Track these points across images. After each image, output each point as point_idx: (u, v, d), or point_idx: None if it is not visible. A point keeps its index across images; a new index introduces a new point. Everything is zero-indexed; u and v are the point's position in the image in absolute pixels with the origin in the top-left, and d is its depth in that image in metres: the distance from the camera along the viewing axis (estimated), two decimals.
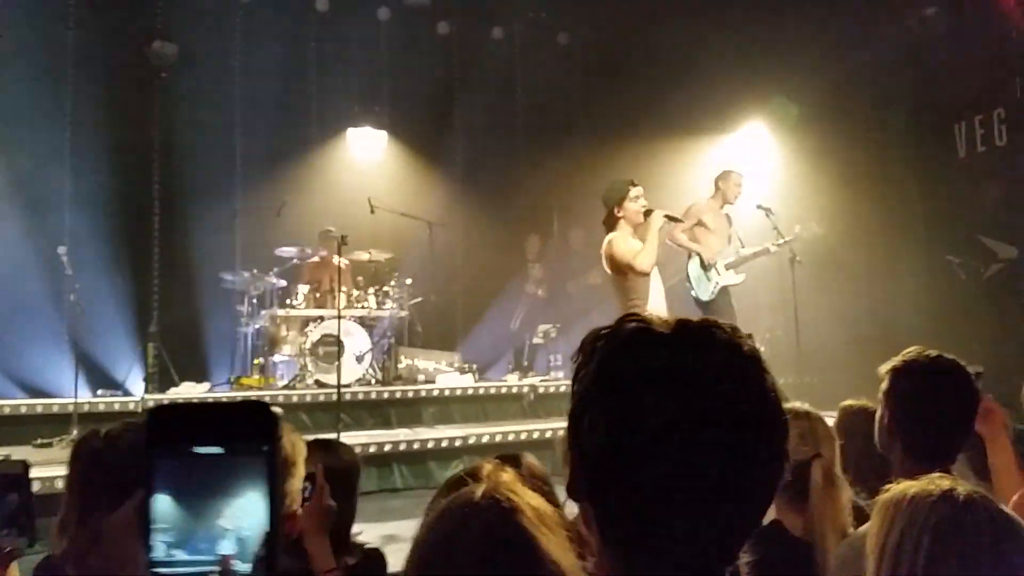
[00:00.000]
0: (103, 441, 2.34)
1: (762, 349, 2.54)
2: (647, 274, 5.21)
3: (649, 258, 5.20)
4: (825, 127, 8.36)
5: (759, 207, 6.80)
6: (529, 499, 1.26)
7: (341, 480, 2.37)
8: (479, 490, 1.26)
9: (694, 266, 6.78)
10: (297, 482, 1.71)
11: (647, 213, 5.23)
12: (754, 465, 0.86)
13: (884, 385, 2.19)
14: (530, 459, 2.93)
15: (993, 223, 7.46)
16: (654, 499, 0.85)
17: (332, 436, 3.19)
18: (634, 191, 5.35)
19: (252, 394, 6.91)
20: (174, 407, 0.74)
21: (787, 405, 2.62)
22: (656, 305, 5.26)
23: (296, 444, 1.72)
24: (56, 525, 2.17)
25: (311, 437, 3.80)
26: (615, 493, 0.87)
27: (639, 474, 0.84)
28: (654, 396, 0.84)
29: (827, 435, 2.37)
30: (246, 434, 0.71)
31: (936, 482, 1.50)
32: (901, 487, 1.53)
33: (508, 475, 1.34)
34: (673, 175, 8.87)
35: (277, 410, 0.74)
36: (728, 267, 6.70)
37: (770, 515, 2.35)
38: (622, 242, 5.32)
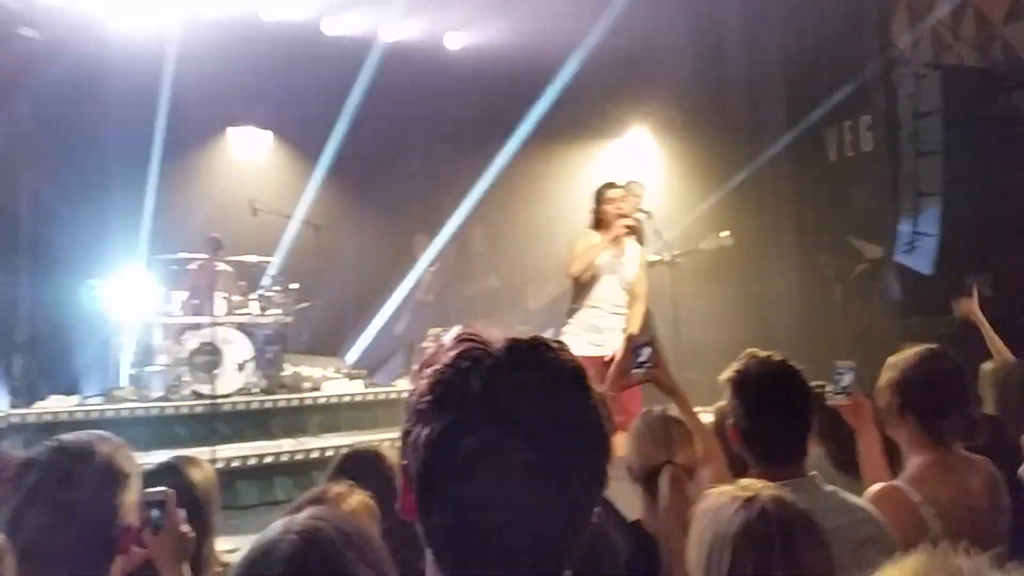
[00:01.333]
0: None
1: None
2: (574, 278, 5.28)
3: (576, 264, 5.20)
4: (702, 133, 8.62)
5: (640, 210, 6.92)
6: (357, 530, 1.24)
7: (194, 500, 2.27)
8: (289, 527, 1.22)
9: None
10: (131, 494, 1.65)
11: (622, 218, 5.25)
12: (572, 482, 0.88)
13: (726, 395, 2.22)
14: (390, 453, 2.89)
15: (860, 224, 7.84)
16: (472, 517, 0.86)
17: (184, 453, 3.05)
18: (610, 192, 5.34)
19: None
20: None
21: (651, 409, 2.61)
22: (593, 308, 5.26)
23: (129, 458, 1.69)
24: None
25: (178, 453, 3.64)
26: (437, 510, 0.88)
27: (457, 492, 0.86)
28: (472, 416, 0.86)
29: (685, 438, 2.41)
30: None
31: (739, 490, 1.55)
32: (712, 496, 1.58)
33: (353, 499, 1.32)
34: (563, 179, 9.00)
35: None
36: None
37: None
38: (580, 241, 5.33)
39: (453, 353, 0.90)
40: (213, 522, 2.46)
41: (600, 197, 5.38)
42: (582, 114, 8.87)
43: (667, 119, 8.98)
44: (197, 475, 2.48)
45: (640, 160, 9.19)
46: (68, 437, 1.66)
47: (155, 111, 8.23)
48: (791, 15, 8.20)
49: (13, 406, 7.02)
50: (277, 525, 1.23)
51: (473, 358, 0.89)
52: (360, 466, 2.69)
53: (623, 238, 5.38)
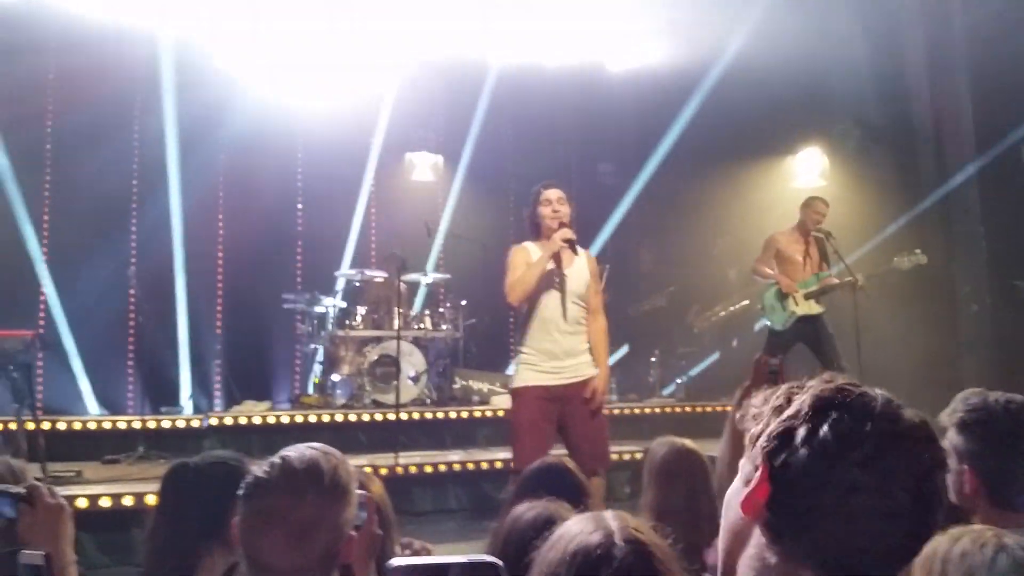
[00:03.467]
0: (194, 473, 2.44)
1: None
2: (513, 306, 4.52)
3: (517, 289, 4.37)
4: (884, 151, 8.24)
5: (818, 231, 6.69)
6: (654, 538, 1.28)
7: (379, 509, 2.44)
8: (608, 531, 1.26)
9: (769, 295, 6.67)
10: (352, 509, 1.72)
11: (562, 226, 4.41)
12: (933, 522, 0.97)
13: (953, 438, 2.08)
14: (573, 465, 2.97)
15: None
16: (844, 517, 0.93)
17: (365, 463, 3.25)
18: (545, 194, 4.48)
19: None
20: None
21: None
22: (545, 332, 4.43)
23: (349, 471, 1.77)
24: (146, 545, 2.37)
25: (364, 458, 3.85)
26: (807, 508, 0.94)
27: (841, 494, 0.93)
28: (867, 431, 0.94)
29: None
30: None
31: (983, 536, 1.49)
32: (944, 543, 1.51)
33: (627, 517, 1.32)
34: (734, 198, 8.87)
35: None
36: (808, 296, 6.54)
37: None
38: (516, 256, 4.51)
39: (844, 392, 0.98)
40: (390, 534, 2.62)
41: (535, 198, 4.50)
42: (754, 132, 8.69)
43: (845, 137, 8.65)
44: (375, 487, 2.65)
45: (816, 180, 8.93)
46: (293, 454, 1.66)
47: (341, 135, 8.71)
48: (978, 25, 7.73)
49: (211, 409, 7.67)
50: (587, 528, 1.26)
51: (863, 391, 0.99)
52: (549, 477, 2.79)
53: (567, 249, 4.44)
